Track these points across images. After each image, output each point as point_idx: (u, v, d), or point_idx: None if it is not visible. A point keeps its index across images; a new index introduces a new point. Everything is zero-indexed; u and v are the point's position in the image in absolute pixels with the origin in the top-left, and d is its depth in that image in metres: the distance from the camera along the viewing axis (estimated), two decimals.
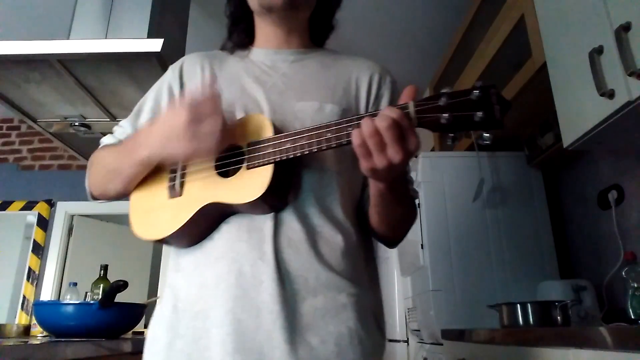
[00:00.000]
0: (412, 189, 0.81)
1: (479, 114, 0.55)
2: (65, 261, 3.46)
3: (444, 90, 0.57)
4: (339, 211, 0.76)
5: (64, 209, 3.51)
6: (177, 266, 0.78)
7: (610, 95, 1.09)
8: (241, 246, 0.71)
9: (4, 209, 3.50)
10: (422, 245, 1.93)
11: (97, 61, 1.59)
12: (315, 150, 0.64)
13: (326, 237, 0.74)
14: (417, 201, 2.00)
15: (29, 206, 3.50)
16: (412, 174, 2.16)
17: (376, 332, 0.75)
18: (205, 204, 0.71)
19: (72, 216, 3.55)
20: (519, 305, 1.40)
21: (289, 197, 0.73)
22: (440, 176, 2.01)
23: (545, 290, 1.68)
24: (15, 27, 2.61)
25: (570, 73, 1.28)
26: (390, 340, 2.53)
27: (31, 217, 3.50)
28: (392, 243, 0.86)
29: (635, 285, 1.33)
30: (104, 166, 0.82)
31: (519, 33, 1.65)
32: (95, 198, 0.86)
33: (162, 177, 0.78)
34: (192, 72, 0.87)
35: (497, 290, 1.81)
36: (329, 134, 0.63)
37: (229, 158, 0.72)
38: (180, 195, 0.74)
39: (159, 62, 1.58)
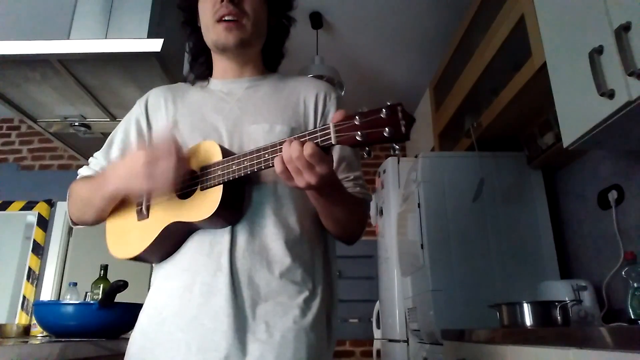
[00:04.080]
0: (359, 191, 0.91)
1: (387, 129, 0.63)
2: (65, 261, 3.45)
3: (358, 111, 0.66)
4: (293, 220, 0.85)
5: (64, 209, 3.45)
6: (154, 277, 0.89)
7: (610, 95, 1.09)
8: (203, 260, 0.81)
9: (4, 209, 3.49)
10: (422, 245, 1.93)
11: (97, 61, 1.59)
12: (256, 169, 0.74)
13: (277, 248, 0.82)
14: (416, 202, 2.00)
15: (29, 206, 3.49)
16: (412, 174, 2.17)
17: (325, 329, 0.84)
18: (168, 223, 0.81)
19: None
20: (518, 305, 1.40)
21: (243, 210, 0.83)
22: (440, 176, 2.01)
23: (545, 290, 1.68)
24: (15, 27, 2.61)
25: (570, 73, 1.28)
26: (390, 340, 2.53)
27: (31, 217, 3.49)
28: (347, 241, 0.93)
29: (635, 285, 1.33)
30: (79, 198, 0.92)
31: (519, 33, 1.65)
32: (75, 224, 0.97)
33: (131, 203, 0.89)
34: (156, 105, 0.98)
35: (497, 290, 1.81)
36: (267, 155, 0.73)
37: (187, 182, 0.83)
38: (147, 217, 0.85)
39: (159, 62, 1.57)
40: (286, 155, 0.68)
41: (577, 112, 1.26)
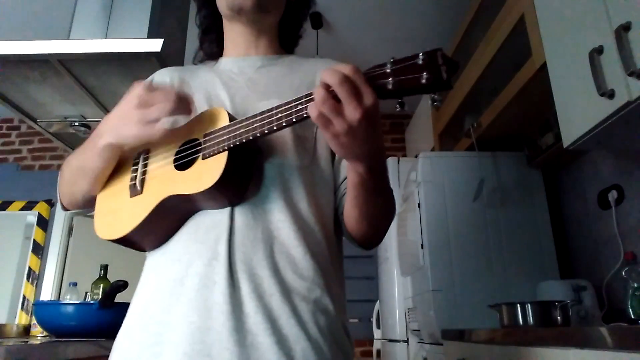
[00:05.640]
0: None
1: (426, 75, 0.54)
2: (65, 261, 3.45)
3: (391, 58, 0.56)
4: (304, 206, 0.74)
5: None
6: (144, 269, 0.78)
7: (610, 95, 1.09)
8: (197, 247, 0.70)
9: (4, 209, 3.50)
10: (422, 245, 1.93)
11: (97, 61, 1.59)
12: (267, 131, 0.63)
13: (285, 235, 0.71)
14: (416, 202, 2.00)
15: (29, 206, 3.49)
16: (412, 174, 2.17)
17: (342, 341, 0.71)
18: (163, 198, 0.70)
19: (72, 216, 3.55)
20: (519, 305, 1.40)
21: (248, 190, 0.72)
22: (440, 176, 2.01)
23: (545, 290, 1.68)
24: (15, 27, 2.61)
25: (570, 73, 1.28)
26: (390, 340, 2.53)
27: (31, 217, 3.49)
28: (370, 242, 0.81)
29: (635, 285, 1.33)
30: (69, 169, 0.81)
31: (519, 33, 1.65)
32: (65, 209, 0.86)
33: (124, 177, 0.77)
34: (161, 85, 0.89)
35: (497, 290, 1.81)
36: (280, 114, 0.62)
37: (186, 151, 0.72)
38: (141, 192, 0.73)
39: (159, 62, 1.57)
40: (321, 94, 0.56)
41: (577, 112, 1.26)
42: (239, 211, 0.71)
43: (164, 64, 1.59)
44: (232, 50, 0.93)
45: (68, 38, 1.76)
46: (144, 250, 0.80)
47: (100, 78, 1.68)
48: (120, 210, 0.75)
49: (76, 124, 1.96)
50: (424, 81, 0.54)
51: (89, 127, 2.00)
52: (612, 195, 1.63)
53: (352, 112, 0.55)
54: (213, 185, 0.65)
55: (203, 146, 0.70)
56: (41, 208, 3.49)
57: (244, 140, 0.65)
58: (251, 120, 0.65)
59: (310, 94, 0.58)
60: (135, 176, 0.75)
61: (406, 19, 2.65)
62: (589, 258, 1.80)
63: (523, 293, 1.76)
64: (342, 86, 0.55)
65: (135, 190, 0.74)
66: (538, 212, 1.96)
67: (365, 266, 3.31)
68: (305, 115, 0.59)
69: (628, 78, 1.03)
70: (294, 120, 0.61)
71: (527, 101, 1.74)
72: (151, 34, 1.72)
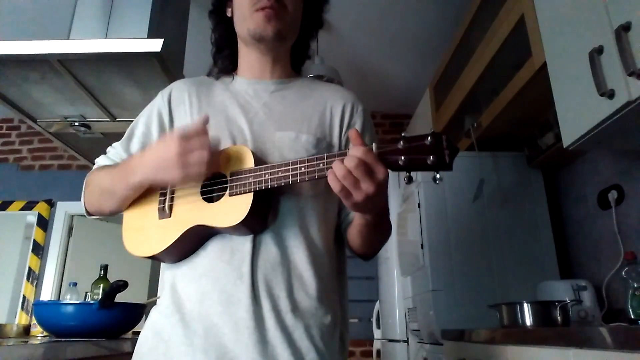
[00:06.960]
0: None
1: (431, 157, 0.63)
2: (65, 261, 3.45)
3: (402, 135, 0.66)
4: (315, 232, 0.85)
5: (64, 209, 3.50)
6: (167, 276, 0.87)
7: (610, 95, 1.09)
8: (223, 266, 0.80)
9: (4, 209, 3.49)
10: (422, 245, 1.93)
11: (97, 61, 1.59)
12: (290, 182, 0.73)
13: (298, 259, 0.81)
14: (416, 202, 2.00)
15: (29, 206, 3.49)
16: (412, 174, 2.17)
17: (340, 350, 0.84)
18: (192, 226, 0.79)
19: (72, 216, 3.55)
20: (518, 305, 1.40)
21: (267, 220, 0.81)
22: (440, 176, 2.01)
23: (545, 290, 1.68)
24: (15, 27, 2.61)
25: (570, 73, 1.28)
26: (390, 340, 2.53)
27: (31, 217, 3.49)
28: (368, 258, 0.94)
29: (635, 285, 1.33)
30: (99, 187, 0.89)
31: (519, 33, 1.65)
32: (90, 214, 0.94)
33: (152, 199, 0.86)
34: (180, 98, 0.95)
35: (497, 290, 1.82)
36: (303, 168, 0.72)
37: (214, 185, 0.81)
38: (169, 216, 0.83)
39: (159, 62, 1.57)
40: (342, 172, 0.65)
41: (577, 112, 1.26)
42: (261, 237, 0.81)
43: (164, 64, 1.59)
44: (247, 72, 0.98)
45: (68, 38, 1.76)
46: (163, 262, 0.88)
47: (100, 78, 1.69)
48: (148, 230, 0.85)
49: (76, 124, 1.96)
50: (429, 162, 0.64)
51: (89, 127, 2.00)
52: (612, 195, 1.63)
53: (368, 187, 0.66)
54: (240, 222, 0.75)
55: (230, 184, 0.78)
56: (41, 208, 3.49)
57: (269, 187, 0.75)
58: (276, 169, 0.74)
59: (332, 155, 0.69)
60: (164, 200, 0.84)
61: (406, 19, 2.64)
62: (589, 258, 1.80)
63: (523, 293, 1.76)
64: (357, 169, 0.65)
65: (164, 214, 0.83)
66: (538, 212, 1.96)
67: (365, 266, 3.30)
68: (325, 175, 0.69)
69: (628, 78, 1.03)
70: (316, 177, 0.71)
71: (527, 101, 1.74)
72: (151, 34, 1.72)
